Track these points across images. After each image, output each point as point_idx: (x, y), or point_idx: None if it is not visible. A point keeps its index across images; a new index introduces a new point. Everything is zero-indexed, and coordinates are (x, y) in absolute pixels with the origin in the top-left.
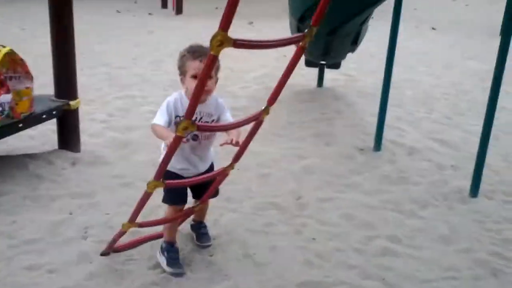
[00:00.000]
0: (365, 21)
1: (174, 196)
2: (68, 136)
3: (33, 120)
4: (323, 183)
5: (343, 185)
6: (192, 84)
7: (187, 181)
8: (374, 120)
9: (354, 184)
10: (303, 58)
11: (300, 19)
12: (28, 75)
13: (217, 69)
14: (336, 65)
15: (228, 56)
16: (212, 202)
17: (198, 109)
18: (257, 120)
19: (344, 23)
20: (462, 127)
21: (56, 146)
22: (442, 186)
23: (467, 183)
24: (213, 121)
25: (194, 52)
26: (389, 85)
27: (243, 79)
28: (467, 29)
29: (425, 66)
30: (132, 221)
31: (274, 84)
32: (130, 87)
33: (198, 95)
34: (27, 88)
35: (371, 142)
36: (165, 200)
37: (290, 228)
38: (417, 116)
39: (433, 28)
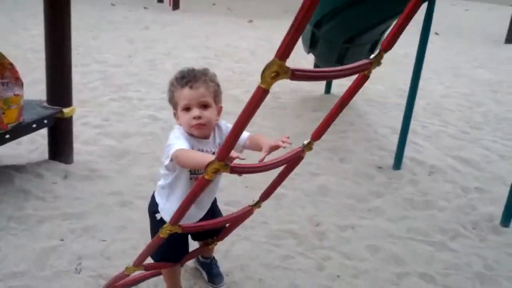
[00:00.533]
0: (385, 30)
1: (171, 251)
2: (60, 146)
3: (21, 130)
4: (341, 207)
5: (364, 210)
6: (184, 118)
7: (209, 222)
8: (387, 132)
9: (376, 209)
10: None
11: (316, 25)
12: (18, 81)
13: (218, 95)
14: None
15: (229, 57)
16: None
17: (200, 148)
18: (298, 157)
19: (364, 32)
20: (481, 143)
21: (45, 153)
22: (470, 213)
23: (495, 209)
24: None
25: (182, 78)
26: (413, 102)
27: (245, 82)
28: (470, 35)
29: (433, 74)
30: (138, 265)
31: (278, 88)
32: (126, 88)
33: (238, 134)
34: (16, 95)
35: (388, 159)
36: (156, 256)
37: (311, 262)
38: (433, 129)
39: (436, 33)
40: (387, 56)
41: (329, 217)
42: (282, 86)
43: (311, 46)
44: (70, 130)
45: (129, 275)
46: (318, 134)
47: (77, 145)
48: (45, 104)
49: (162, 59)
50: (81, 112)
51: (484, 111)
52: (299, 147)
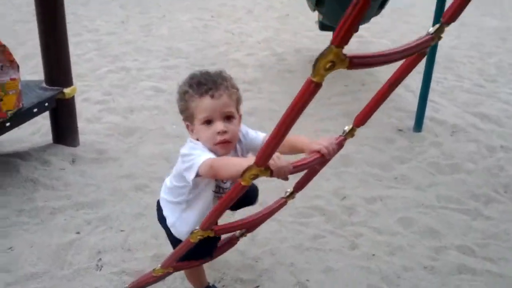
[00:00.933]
0: None
1: (200, 250)
2: (64, 128)
3: (22, 117)
4: (366, 177)
5: (389, 178)
6: (206, 132)
7: (240, 222)
8: (401, 91)
9: (402, 177)
10: (310, 19)
11: None
12: (12, 64)
13: (240, 103)
14: None
15: (226, 17)
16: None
17: None
18: (341, 146)
19: None
20: (498, 97)
21: (48, 135)
22: (499, 174)
23: None
24: None
25: (199, 84)
26: (433, 61)
27: (246, 43)
28: None
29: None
30: (166, 267)
31: (281, 49)
32: (123, 57)
33: (283, 136)
34: (12, 79)
35: (407, 120)
36: (186, 256)
37: (343, 241)
38: (447, 85)
39: None
40: (388, 8)
41: (355, 189)
42: (285, 46)
43: (318, 4)
44: (73, 111)
45: (156, 276)
46: (361, 120)
47: (80, 124)
48: (44, 85)
49: (157, 23)
50: (81, 87)
51: (496, 62)
52: (341, 136)
